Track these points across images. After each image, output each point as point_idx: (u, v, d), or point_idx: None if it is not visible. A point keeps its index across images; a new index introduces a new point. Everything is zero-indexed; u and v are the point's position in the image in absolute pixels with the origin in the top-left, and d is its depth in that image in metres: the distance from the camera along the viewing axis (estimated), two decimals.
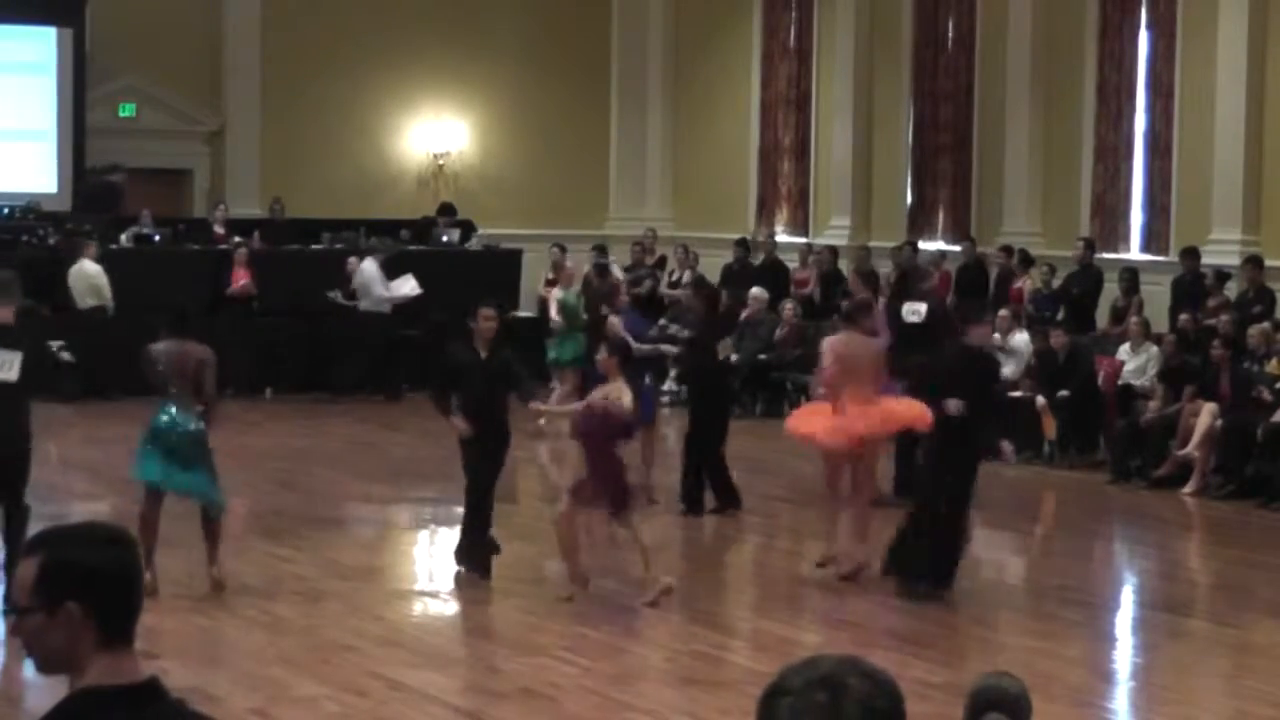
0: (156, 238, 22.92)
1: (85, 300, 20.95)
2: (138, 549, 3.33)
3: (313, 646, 10.78)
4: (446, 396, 12.66)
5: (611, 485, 11.89)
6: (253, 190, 25.30)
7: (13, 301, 11.49)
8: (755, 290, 22.01)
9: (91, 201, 23.65)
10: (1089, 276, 20.34)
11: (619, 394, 11.98)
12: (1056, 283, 20.58)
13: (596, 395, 12.22)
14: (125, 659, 3.25)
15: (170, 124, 25.44)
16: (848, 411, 12.69)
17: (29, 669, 10.07)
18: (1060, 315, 20.07)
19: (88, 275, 21.00)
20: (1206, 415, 16.70)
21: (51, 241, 22.03)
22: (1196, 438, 16.69)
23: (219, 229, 23.42)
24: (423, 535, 15.15)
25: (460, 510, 12.90)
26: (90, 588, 3.21)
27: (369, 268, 22.07)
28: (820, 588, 12.98)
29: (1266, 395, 16.53)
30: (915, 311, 16.31)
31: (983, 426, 12.28)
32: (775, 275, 23.14)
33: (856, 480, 13.20)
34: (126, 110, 25.18)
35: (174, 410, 11.74)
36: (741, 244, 24.24)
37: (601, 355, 12.53)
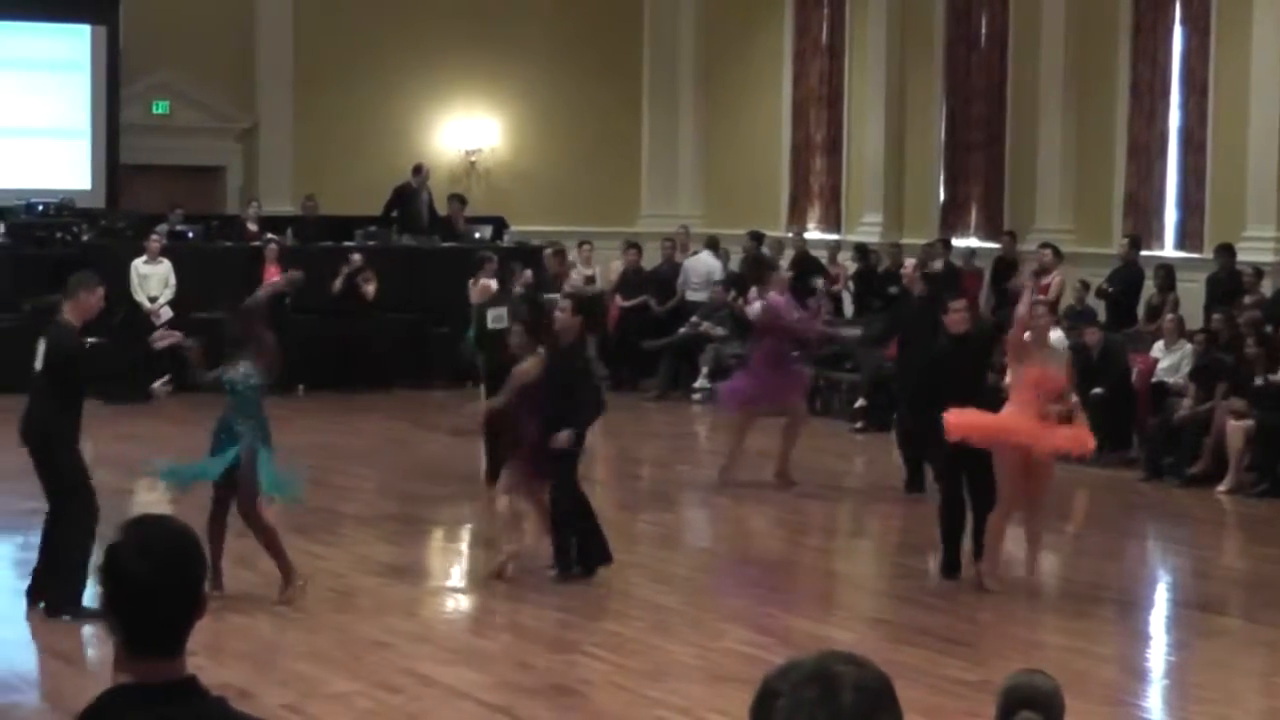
0: (190, 235, 23.02)
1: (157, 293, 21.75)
2: (174, 560, 3.28)
3: (345, 643, 10.80)
4: None
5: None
6: (285, 187, 25.36)
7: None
8: None
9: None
10: (1132, 273, 20.24)
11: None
12: (1096, 282, 20.38)
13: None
14: (163, 663, 3.25)
15: (203, 121, 25.51)
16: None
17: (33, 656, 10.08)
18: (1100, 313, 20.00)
19: (163, 272, 21.76)
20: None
21: (85, 239, 22.15)
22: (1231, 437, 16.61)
23: (251, 226, 23.48)
24: (454, 532, 15.17)
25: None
26: (116, 599, 3.24)
27: (712, 261, 23.86)
28: (853, 585, 12.96)
29: None
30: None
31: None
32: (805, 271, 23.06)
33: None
34: (160, 107, 25.26)
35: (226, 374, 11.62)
36: (755, 237, 23.96)
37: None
